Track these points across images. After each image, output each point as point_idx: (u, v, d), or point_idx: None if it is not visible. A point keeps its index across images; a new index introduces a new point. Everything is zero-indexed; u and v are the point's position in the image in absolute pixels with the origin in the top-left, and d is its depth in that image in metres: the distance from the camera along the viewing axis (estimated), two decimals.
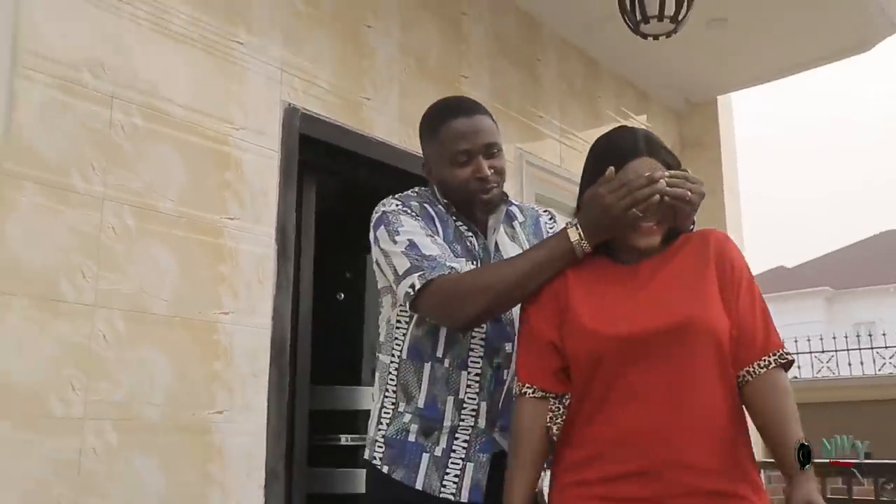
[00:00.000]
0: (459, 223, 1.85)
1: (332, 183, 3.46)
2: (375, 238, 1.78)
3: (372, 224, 1.80)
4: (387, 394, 1.82)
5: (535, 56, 4.32)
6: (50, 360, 2.22)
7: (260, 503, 2.70)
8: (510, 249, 1.83)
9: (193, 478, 2.50)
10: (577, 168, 2.63)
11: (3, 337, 2.13)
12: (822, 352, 9.67)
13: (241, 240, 2.72)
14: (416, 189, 1.91)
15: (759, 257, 16.64)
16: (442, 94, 3.51)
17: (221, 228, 2.67)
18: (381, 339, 1.86)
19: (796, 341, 9.55)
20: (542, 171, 4.20)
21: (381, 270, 1.78)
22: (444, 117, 1.82)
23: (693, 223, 1.70)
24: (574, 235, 1.64)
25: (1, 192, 2.17)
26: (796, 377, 9.65)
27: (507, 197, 1.90)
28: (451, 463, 1.74)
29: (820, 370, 9.68)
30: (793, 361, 1.55)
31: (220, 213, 2.68)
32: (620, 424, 1.52)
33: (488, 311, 1.66)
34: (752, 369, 1.53)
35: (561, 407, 1.60)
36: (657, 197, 1.54)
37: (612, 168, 1.58)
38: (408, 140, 3.38)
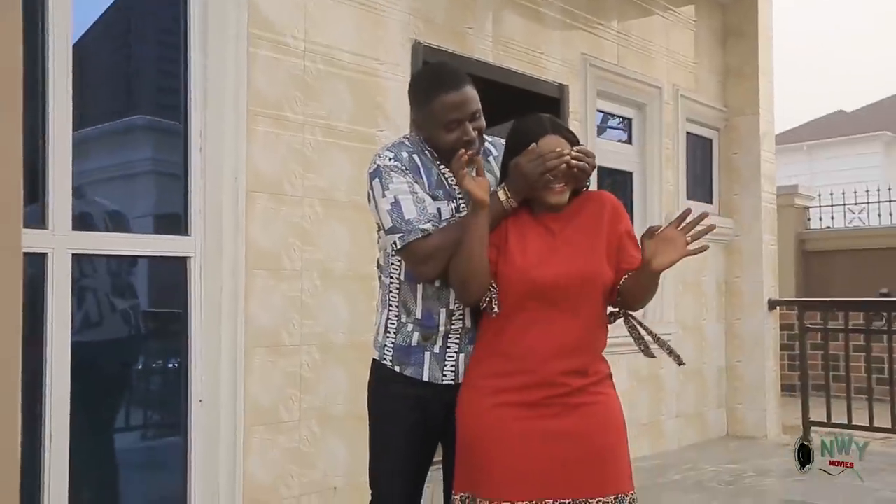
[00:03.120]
0: (443, 167, 2.19)
1: None
2: (370, 188, 2.14)
3: (368, 173, 2.15)
4: (391, 308, 2.22)
5: None
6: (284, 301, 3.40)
7: None
8: (490, 180, 2.16)
9: (371, 312, 3.73)
10: (631, 65, 3.49)
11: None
12: (879, 202, 9.50)
13: None
14: (408, 136, 2.25)
15: (817, 102, 16.14)
16: (523, 15, 4.52)
17: (374, 137, 3.77)
18: (381, 262, 2.26)
19: (855, 192, 9.64)
20: (601, 70, 5.15)
21: (376, 214, 2.14)
22: (437, 90, 2.12)
23: (588, 184, 2.20)
24: (502, 195, 2.08)
25: (249, 125, 3.29)
26: (857, 225, 9.89)
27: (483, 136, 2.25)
28: (448, 356, 2.17)
29: (879, 216, 9.62)
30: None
31: (374, 126, 3.77)
32: (523, 344, 2.04)
33: (445, 268, 2.07)
34: (625, 277, 2.09)
35: (494, 291, 2.07)
36: (563, 166, 2.02)
37: (534, 144, 2.05)
38: (499, 58, 4.39)
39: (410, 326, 2.19)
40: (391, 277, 2.22)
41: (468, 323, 2.19)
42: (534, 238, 2.09)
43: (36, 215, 2.76)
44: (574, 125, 4.93)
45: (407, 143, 2.22)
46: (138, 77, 3.46)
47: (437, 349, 2.18)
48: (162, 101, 3.43)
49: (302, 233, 3.50)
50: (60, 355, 2.79)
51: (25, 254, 2.73)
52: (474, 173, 2.07)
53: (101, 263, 3.08)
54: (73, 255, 2.85)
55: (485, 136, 2.24)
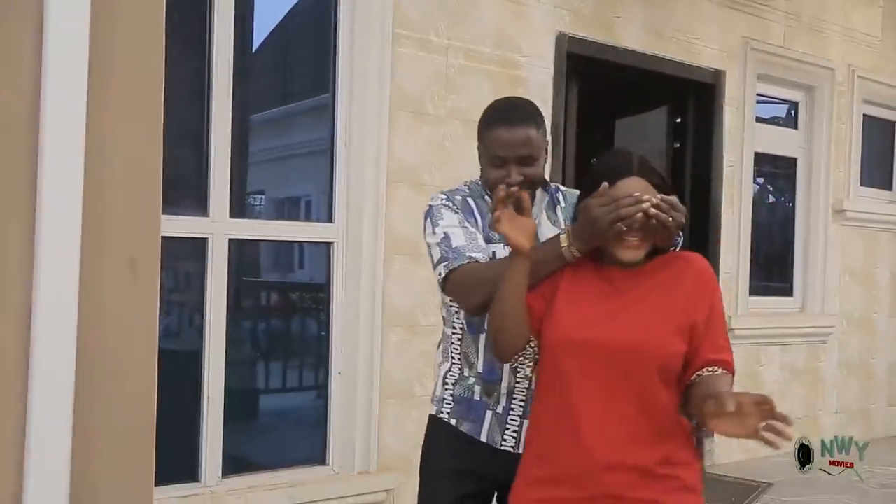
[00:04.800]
0: None
1: (591, 84, 4.53)
2: (424, 229, 2.00)
3: (423, 215, 2.02)
4: (453, 360, 2.05)
5: None
6: None
7: None
8: (549, 233, 1.93)
9: None
10: (800, 46, 3.23)
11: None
12: None
13: None
14: (468, 182, 2.09)
15: None
16: (676, 1, 4.43)
17: None
18: (443, 314, 2.09)
19: None
20: (764, 53, 4.97)
21: (429, 257, 1.98)
22: (492, 123, 1.97)
23: (677, 244, 1.88)
24: (564, 241, 1.78)
25: (392, 116, 3.51)
26: None
27: (549, 183, 2.07)
28: (510, 420, 1.97)
29: None
30: (733, 373, 1.73)
31: None
32: (567, 431, 1.70)
33: (488, 302, 1.81)
34: (700, 373, 1.69)
35: (530, 350, 1.79)
36: (640, 215, 1.66)
37: (605, 184, 1.72)
38: (650, 45, 4.36)
39: (472, 380, 2.02)
40: (453, 328, 2.06)
41: (533, 386, 1.94)
42: (591, 294, 1.77)
43: (199, 205, 3.15)
44: (729, 111, 4.81)
45: (465, 187, 2.08)
46: (294, 79, 3.79)
47: (500, 409, 1.99)
48: (315, 100, 3.73)
49: (442, 151, 3.69)
50: (217, 328, 3.17)
51: (188, 238, 3.11)
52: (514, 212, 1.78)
53: (255, 246, 3.44)
54: (231, 239, 3.21)
55: (559, 186, 2.10)
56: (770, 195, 5.90)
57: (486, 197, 2.02)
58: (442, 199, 2.01)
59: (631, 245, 1.73)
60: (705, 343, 1.71)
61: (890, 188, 6.09)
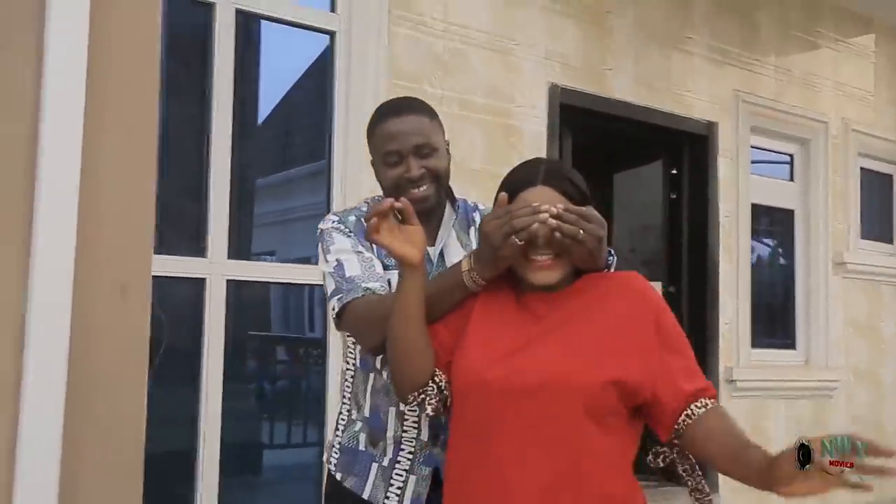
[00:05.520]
0: None
1: (585, 135, 4.64)
2: (318, 256, 1.78)
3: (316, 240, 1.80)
4: (344, 401, 1.83)
5: (753, 3, 5.13)
6: None
7: None
8: (457, 258, 1.69)
9: None
10: (792, 99, 3.24)
11: None
12: None
13: None
14: (369, 199, 1.88)
15: None
16: (667, 54, 4.59)
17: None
18: (342, 348, 1.86)
19: None
20: (756, 106, 5.08)
21: (324, 286, 1.75)
22: (377, 119, 1.78)
23: (609, 264, 1.59)
24: (465, 265, 1.53)
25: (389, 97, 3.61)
26: None
27: (460, 203, 1.87)
28: (395, 474, 1.72)
29: None
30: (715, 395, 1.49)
31: (507, 166, 3.96)
32: (483, 487, 1.44)
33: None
34: (689, 412, 1.43)
35: (435, 388, 1.53)
36: (535, 226, 1.42)
37: (503, 194, 1.50)
38: (642, 97, 4.48)
39: (359, 425, 1.78)
40: (347, 362, 1.82)
41: (424, 435, 1.71)
42: (507, 323, 1.51)
43: (198, 247, 3.24)
44: (724, 162, 4.90)
45: (362, 206, 1.84)
46: (292, 131, 3.94)
47: (385, 461, 1.74)
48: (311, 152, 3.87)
49: None
50: (215, 363, 3.22)
51: (188, 278, 3.19)
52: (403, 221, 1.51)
53: (251, 287, 3.52)
54: (228, 280, 3.29)
55: (477, 204, 1.89)
56: (769, 247, 5.94)
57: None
58: (333, 222, 1.77)
59: (541, 265, 1.48)
60: (673, 371, 1.45)
61: (891, 241, 6.11)
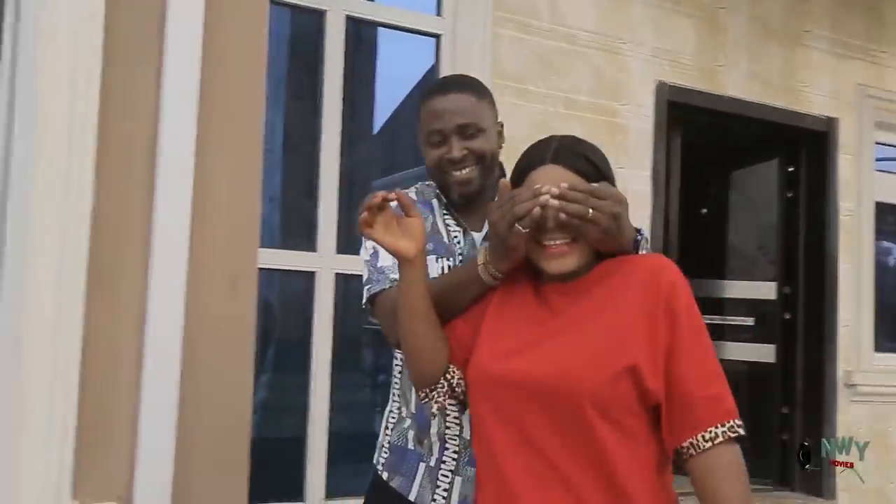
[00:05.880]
0: (447, 216, 1.70)
1: (695, 133, 4.58)
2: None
3: None
4: (394, 398, 1.75)
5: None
6: None
7: None
8: None
9: None
10: None
11: None
12: None
13: (628, 181, 4.02)
14: (419, 185, 1.80)
15: None
16: (784, 49, 4.47)
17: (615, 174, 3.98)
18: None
19: None
20: (882, 100, 4.85)
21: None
22: (424, 97, 1.69)
23: (638, 243, 1.44)
24: (482, 258, 1.44)
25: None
26: None
27: None
28: (441, 475, 1.64)
29: None
30: (744, 435, 1.27)
31: (613, 165, 3.97)
32: (500, 488, 1.34)
33: None
34: (695, 442, 1.26)
35: (446, 384, 1.47)
36: (537, 210, 1.30)
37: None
38: (757, 93, 4.39)
39: (408, 422, 1.70)
40: (395, 358, 1.75)
41: (466, 433, 1.61)
42: (522, 319, 1.40)
43: (310, 242, 3.43)
44: (845, 159, 4.72)
45: (412, 190, 1.78)
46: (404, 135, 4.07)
47: (433, 461, 1.65)
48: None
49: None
50: (324, 352, 3.39)
51: (299, 271, 3.38)
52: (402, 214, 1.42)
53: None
54: (336, 273, 3.45)
55: None
56: None
57: (435, 200, 1.73)
58: None
59: (555, 252, 1.36)
60: (687, 370, 1.28)
61: None
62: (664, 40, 4.18)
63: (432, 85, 1.73)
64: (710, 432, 1.27)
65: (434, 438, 1.66)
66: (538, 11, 3.83)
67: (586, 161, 1.42)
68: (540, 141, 1.46)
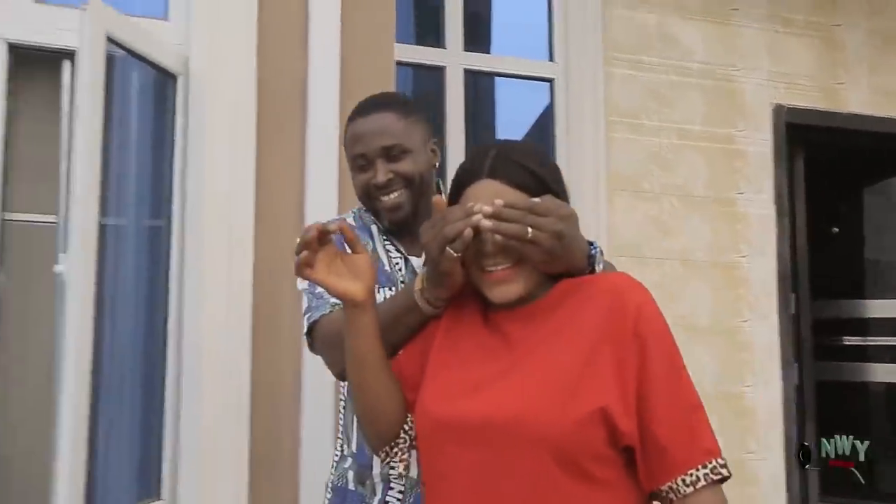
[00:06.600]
0: (387, 242, 1.59)
1: (818, 152, 4.55)
2: None
3: None
4: (339, 435, 1.64)
5: None
6: None
7: (779, 382, 4.03)
8: None
9: (733, 362, 3.96)
10: None
11: None
12: None
13: (749, 206, 4.05)
14: (357, 209, 1.68)
15: None
16: None
17: (735, 200, 4.03)
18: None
19: None
20: None
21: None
22: (349, 120, 1.58)
23: (593, 259, 1.26)
24: (419, 283, 1.29)
25: (608, 133, 3.82)
26: None
27: None
28: None
29: None
30: (729, 476, 1.13)
31: (732, 190, 4.04)
32: None
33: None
34: (675, 486, 1.12)
35: (407, 438, 1.30)
36: (468, 232, 1.15)
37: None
38: (881, 107, 4.35)
39: (349, 461, 1.58)
40: (341, 394, 1.64)
41: (413, 472, 1.48)
42: (473, 348, 1.23)
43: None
44: None
45: (349, 215, 1.68)
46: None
47: (375, 502, 1.52)
48: None
49: (661, 225, 3.90)
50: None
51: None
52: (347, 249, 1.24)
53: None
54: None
55: None
56: None
57: (374, 226, 1.62)
58: None
59: (496, 278, 1.19)
60: (660, 404, 1.12)
61: None
62: (778, 63, 4.22)
63: (355, 109, 1.59)
64: (691, 475, 1.11)
65: (377, 479, 1.53)
66: (648, 48, 3.97)
67: (527, 173, 1.21)
68: (476, 150, 1.27)
